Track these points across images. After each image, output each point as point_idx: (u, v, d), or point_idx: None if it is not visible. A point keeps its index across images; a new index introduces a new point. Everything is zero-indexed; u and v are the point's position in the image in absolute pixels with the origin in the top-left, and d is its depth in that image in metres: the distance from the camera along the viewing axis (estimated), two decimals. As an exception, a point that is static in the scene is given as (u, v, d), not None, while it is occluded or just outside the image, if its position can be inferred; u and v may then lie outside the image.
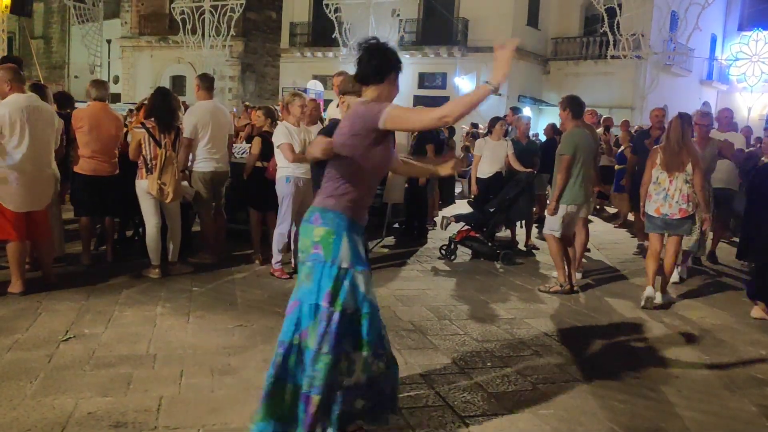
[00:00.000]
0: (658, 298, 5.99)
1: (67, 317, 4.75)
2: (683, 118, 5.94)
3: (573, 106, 6.27)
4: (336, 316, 2.85)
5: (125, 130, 6.79)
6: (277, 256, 6.19)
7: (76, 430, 3.15)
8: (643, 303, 5.91)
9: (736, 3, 32.00)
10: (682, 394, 4.03)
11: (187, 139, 6.32)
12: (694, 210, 5.88)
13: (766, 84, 28.33)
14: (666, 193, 5.90)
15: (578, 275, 6.87)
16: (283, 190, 6.05)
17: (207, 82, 6.65)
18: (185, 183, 6.20)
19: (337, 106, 6.96)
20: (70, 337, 4.36)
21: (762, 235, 6.02)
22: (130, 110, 10.95)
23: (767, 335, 5.32)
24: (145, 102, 6.51)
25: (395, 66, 2.99)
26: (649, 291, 5.94)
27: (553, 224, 6.19)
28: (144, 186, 5.79)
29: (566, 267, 6.29)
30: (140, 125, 5.84)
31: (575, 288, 6.28)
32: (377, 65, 2.95)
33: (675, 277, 6.40)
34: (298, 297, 2.98)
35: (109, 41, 31.99)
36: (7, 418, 3.21)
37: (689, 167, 5.80)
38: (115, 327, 4.63)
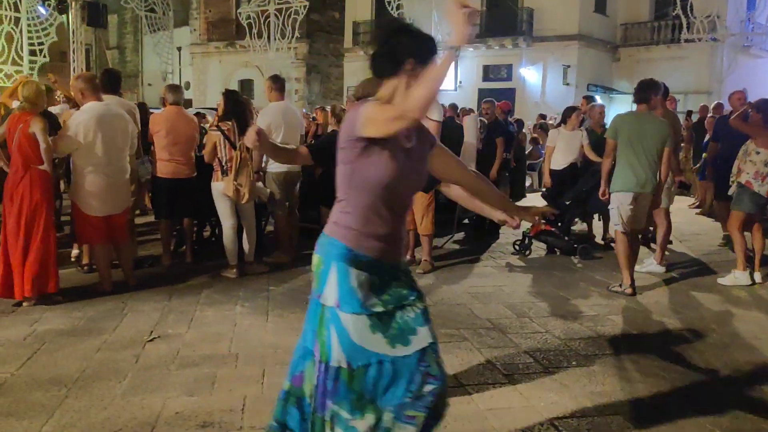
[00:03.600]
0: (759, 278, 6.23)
1: (152, 318, 4.87)
2: None
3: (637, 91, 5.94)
4: (321, 368, 2.29)
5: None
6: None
7: (166, 429, 3.20)
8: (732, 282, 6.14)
9: (820, -23, 30.17)
10: (786, 394, 3.79)
11: (260, 140, 6.37)
12: None
13: None
14: None
15: (662, 269, 6.61)
16: None
17: (279, 84, 6.70)
18: (260, 184, 6.27)
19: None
20: (155, 337, 4.46)
21: None
22: (198, 113, 11.15)
23: None
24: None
25: (413, 51, 2.22)
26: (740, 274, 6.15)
27: (614, 217, 5.86)
28: (220, 188, 5.88)
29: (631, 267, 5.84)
30: (216, 128, 5.95)
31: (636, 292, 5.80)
32: (388, 52, 2.25)
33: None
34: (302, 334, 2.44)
35: (179, 48, 32.93)
36: (99, 418, 3.29)
37: None
38: (198, 327, 4.72)
